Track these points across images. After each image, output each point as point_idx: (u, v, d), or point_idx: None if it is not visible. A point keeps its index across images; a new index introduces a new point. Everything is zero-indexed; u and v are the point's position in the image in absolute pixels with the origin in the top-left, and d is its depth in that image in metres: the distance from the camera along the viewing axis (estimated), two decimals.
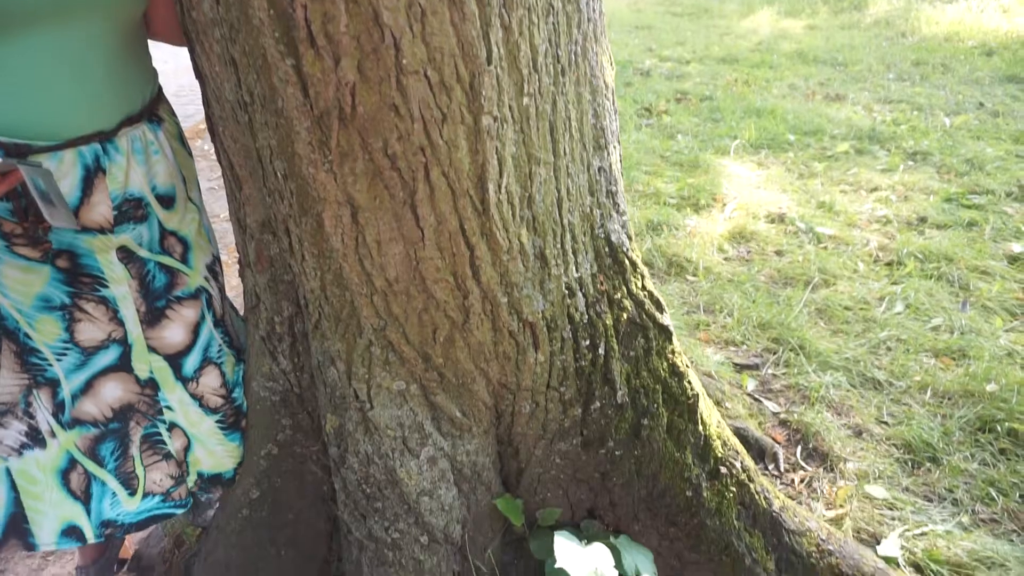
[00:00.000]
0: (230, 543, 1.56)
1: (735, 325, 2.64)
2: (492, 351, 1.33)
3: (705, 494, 1.51)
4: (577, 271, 1.36)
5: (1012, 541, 1.74)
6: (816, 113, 5.15)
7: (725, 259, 3.20)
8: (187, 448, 1.46)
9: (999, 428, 2.08)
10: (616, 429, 1.47)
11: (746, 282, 2.95)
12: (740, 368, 2.40)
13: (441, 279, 1.22)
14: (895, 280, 2.94)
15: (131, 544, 2.00)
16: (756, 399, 2.26)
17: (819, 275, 2.97)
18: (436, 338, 1.29)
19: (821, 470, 1.98)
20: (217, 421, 1.47)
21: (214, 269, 1.46)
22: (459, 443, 1.43)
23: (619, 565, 1.39)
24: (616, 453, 1.48)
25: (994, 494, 1.88)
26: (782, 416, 2.18)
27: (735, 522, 1.52)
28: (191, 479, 1.50)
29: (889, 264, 3.08)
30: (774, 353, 2.49)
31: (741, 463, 1.58)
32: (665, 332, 1.50)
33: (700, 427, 1.52)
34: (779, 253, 3.25)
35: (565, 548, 1.30)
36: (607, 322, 1.41)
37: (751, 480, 1.57)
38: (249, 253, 1.42)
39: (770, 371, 2.40)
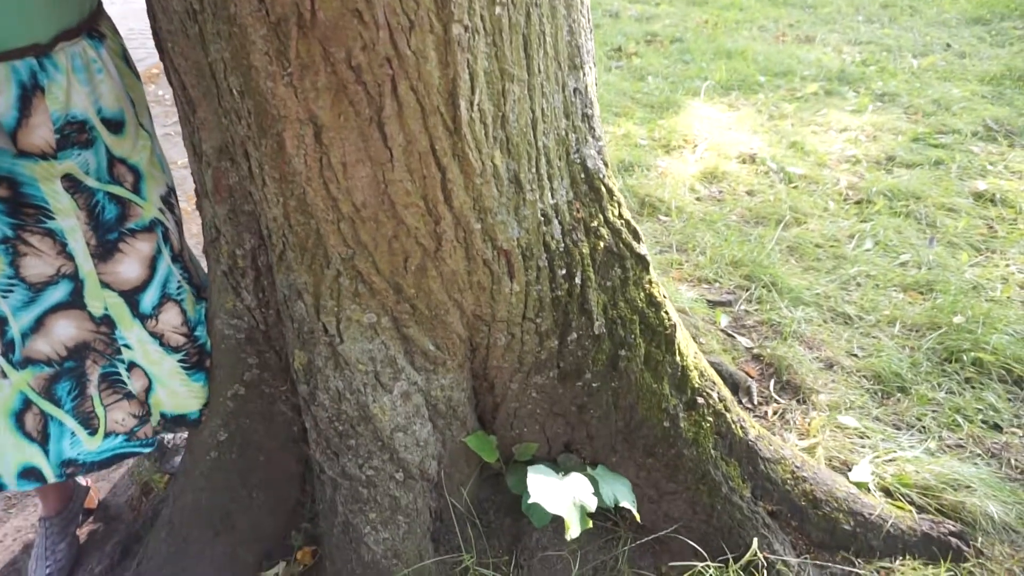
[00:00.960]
0: (198, 487, 1.51)
1: (708, 263, 2.63)
2: (466, 281, 1.28)
3: (682, 425, 1.50)
4: (553, 197, 1.31)
5: (976, 464, 1.78)
6: (786, 55, 5.10)
7: (697, 199, 3.18)
8: (149, 389, 1.40)
9: (965, 358, 2.11)
10: (593, 361, 1.44)
11: (718, 221, 2.93)
12: (713, 305, 2.40)
13: (411, 203, 1.16)
14: (864, 218, 2.95)
15: (97, 494, 1.95)
16: (729, 335, 2.26)
17: (790, 214, 2.97)
18: (407, 267, 1.24)
19: (794, 402, 2.00)
20: (180, 360, 1.41)
21: (169, 201, 1.38)
22: (433, 377, 1.39)
23: (597, 494, 1.38)
24: (593, 385, 1.46)
25: (960, 421, 1.91)
26: (755, 351, 2.19)
27: (712, 452, 1.52)
28: (154, 419, 1.44)
29: (859, 202, 3.09)
30: (746, 290, 2.49)
31: (718, 393, 1.57)
32: (642, 262, 1.47)
33: (677, 358, 1.51)
34: (750, 193, 3.23)
35: (539, 482, 1.29)
36: (584, 251, 1.37)
37: (728, 410, 1.57)
38: (206, 182, 1.34)
39: (743, 307, 2.40)
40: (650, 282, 1.49)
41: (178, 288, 1.39)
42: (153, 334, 1.35)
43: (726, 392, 1.60)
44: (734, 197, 3.19)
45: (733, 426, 1.56)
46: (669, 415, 1.49)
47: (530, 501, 1.24)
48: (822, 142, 3.70)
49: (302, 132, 1.09)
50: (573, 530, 1.23)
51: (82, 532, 1.79)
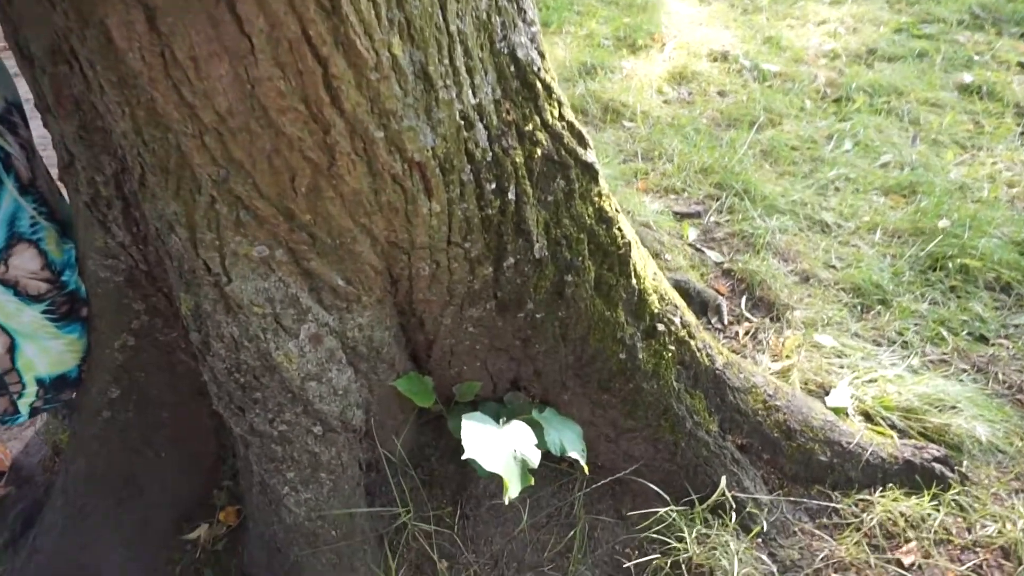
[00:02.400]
0: (91, 451, 1.32)
1: (675, 171, 2.42)
2: (373, 202, 1.06)
3: (640, 356, 1.32)
4: (475, 96, 1.08)
5: (962, 381, 1.64)
6: None
7: (665, 102, 2.92)
8: (13, 348, 1.19)
9: (950, 265, 1.95)
10: (535, 288, 1.25)
11: (687, 125, 2.70)
12: (681, 217, 2.20)
13: (288, 108, 0.92)
14: (843, 117, 2.73)
15: (7, 455, 1.77)
16: (698, 249, 2.07)
17: (764, 114, 2.74)
18: (296, 188, 1.02)
19: (767, 320, 1.84)
20: (44, 311, 1.19)
21: (10, 119, 1.13)
22: (347, 316, 1.19)
23: (542, 443, 1.21)
24: (537, 316, 1.27)
25: (944, 334, 1.77)
26: (726, 266, 2.01)
27: (674, 384, 1.35)
28: (30, 391, 1.24)
29: (837, 100, 2.86)
30: (717, 200, 2.29)
31: (681, 319, 1.39)
32: (589, 171, 1.25)
33: (633, 280, 1.32)
34: (722, 93, 2.98)
35: (474, 434, 1.11)
36: (517, 160, 1.15)
37: (692, 337, 1.39)
38: (46, 93, 1.08)
39: (713, 219, 2.20)
40: (599, 195, 1.28)
41: (32, 226, 1.15)
42: (4, 282, 1.13)
43: (690, 316, 1.42)
44: (705, 99, 2.94)
45: (698, 354, 1.39)
46: (625, 345, 1.31)
47: (464, 457, 1.06)
48: (798, 36, 3.43)
49: (131, 17, 0.84)
50: (512, 490, 1.06)
51: None
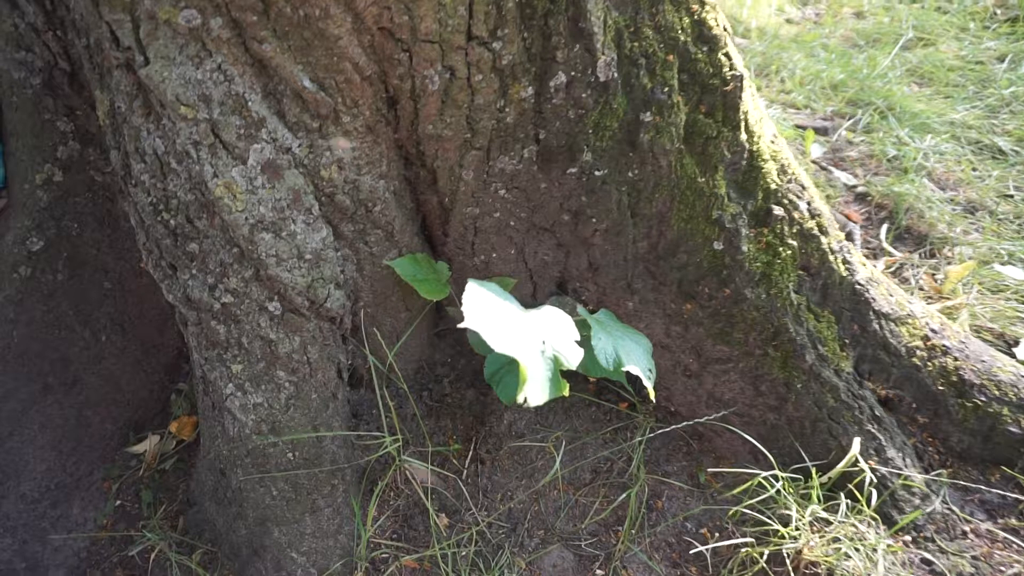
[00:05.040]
0: (6, 317, 1.02)
1: (796, 86, 1.94)
2: None
3: (745, 248, 0.90)
4: None
5: None
6: None
7: (787, 20, 2.43)
8: None
9: None
10: (596, 130, 0.85)
11: (812, 41, 2.20)
12: (803, 130, 1.73)
13: None
14: (1020, 37, 2.16)
15: None
16: (824, 168, 1.61)
17: (913, 33, 2.21)
18: None
19: (916, 256, 1.36)
20: None
21: None
22: (320, 143, 0.83)
23: (589, 351, 0.81)
24: (596, 175, 0.88)
25: None
26: (859, 189, 1.54)
27: (792, 296, 0.92)
28: None
29: (1011, 21, 2.28)
30: (849, 118, 1.80)
31: (808, 204, 0.96)
32: None
33: (742, 135, 0.90)
34: (859, 15, 2.46)
35: (481, 297, 0.73)
36: None
37: (823, 231, 0.96)
38: None
39: (843, 136, 1.72)
40: (700, 1, 0.87)
41: None
42: None
43: (822, 204, 0.98)
44: (836, 19, 2.43)
45: (830, 257, 0.96)
46: (724, 230, 0.90)
47: (462, 324, 0.68)
48: None
49: None
50: (533, 389, 0.67)
51: None
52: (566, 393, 0.71)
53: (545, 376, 0.69)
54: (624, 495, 0.96)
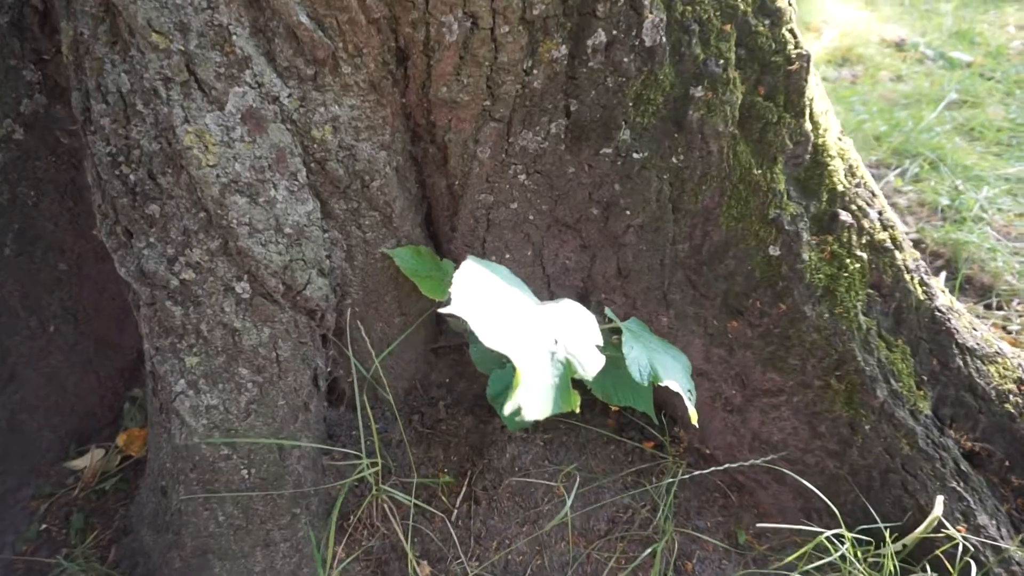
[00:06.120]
0: None
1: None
2: None
3: (807, 256, 0.76)
4: None
5: None
6: None
7: (823, 79, 2.36)
8: None
9: None
10: (637, 104, 0.72)
11: (851, 97, 2.12)
12: None
13: None
14: None
15: None
16: None
17: (957, 95, 2.12)
18: None
19: (980, 307, 1.21)
20: None
21: None
22: (315, 98, 0.71)
23: (611, 355, 0.66)
24: (634, 157, 0.74)
25: None
26: (912, 235, 1.40)
27: (860, 318, 0.77)
28: None
29: None
30: (895, 167, 1.69)
31: (880, 213, 0.82)
32: None
33: (806, 123, 0.77)
34: (899, 78, 2.38)
35: (476, 278, 0.58)
36: None
37: (897, 246, 0.81)
38: None
39: (892, 183, 1.60)
40: None
41: None
42: None
43: (892, 215, 0.84)
44: (874, 81, 2.35)
45: (906, 276, 0.81)
46: (782, 233, 0.75)
47: (445, 310, 0.53)
48: (995, 36, 2.78)
49: None
50: (533, 398, 0.51)
51: None
52: (576, 408, 0.55)
53: (549, 382, 0.53)
54: (647, 552, 0.79)
